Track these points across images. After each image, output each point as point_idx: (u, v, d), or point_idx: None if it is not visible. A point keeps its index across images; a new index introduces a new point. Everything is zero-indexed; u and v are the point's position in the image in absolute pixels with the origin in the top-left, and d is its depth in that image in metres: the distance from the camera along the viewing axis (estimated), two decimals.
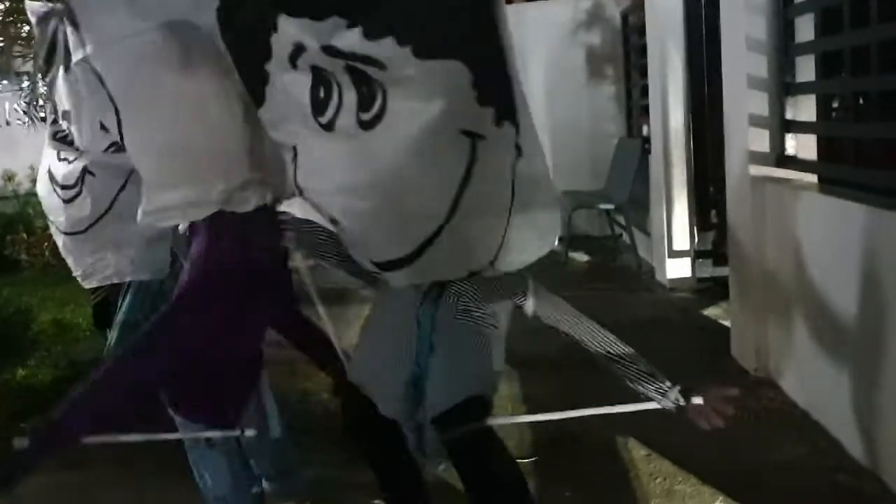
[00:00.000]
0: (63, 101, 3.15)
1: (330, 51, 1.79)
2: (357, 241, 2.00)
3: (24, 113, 8.44)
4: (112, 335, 3.41)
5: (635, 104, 7.70)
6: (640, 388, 2.03)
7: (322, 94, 1.88)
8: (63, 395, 4.41)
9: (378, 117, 1.78)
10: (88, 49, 2.18)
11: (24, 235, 8.02)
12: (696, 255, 5.80)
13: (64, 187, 3.22)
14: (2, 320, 4.38)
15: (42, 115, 7.86)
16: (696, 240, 5.81)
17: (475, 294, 2.10)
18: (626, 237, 7.12)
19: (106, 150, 3.09)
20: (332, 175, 1.94)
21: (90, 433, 2.08)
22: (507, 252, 1.91)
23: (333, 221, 2.01)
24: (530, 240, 1.94)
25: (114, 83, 2.16)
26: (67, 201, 3.22)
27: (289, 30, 1.85)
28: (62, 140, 3.31)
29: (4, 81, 8.73)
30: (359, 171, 1.87)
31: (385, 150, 1.81)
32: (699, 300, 5.45)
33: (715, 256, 5.70)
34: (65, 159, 3.25)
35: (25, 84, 8.71)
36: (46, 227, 8.28)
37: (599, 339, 2.08)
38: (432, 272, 1.98)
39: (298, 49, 1.86)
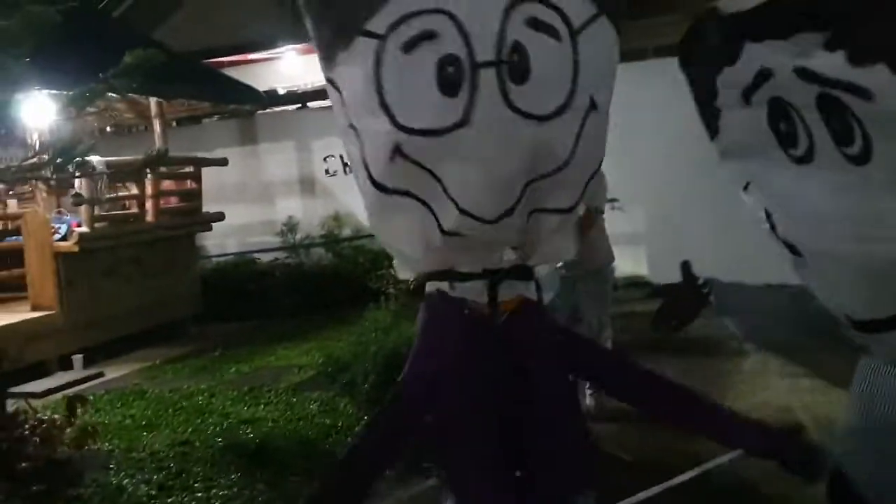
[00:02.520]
0: None
1: (804, 75, 1.52)
2: (832, 294, 1.70)
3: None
4: None
5: None
6: None
7: (785, 129, 1.64)
8: None
9: (866, 153, 1.48)
10: None
11: (392, 271, 8.65)
12: None
13: None
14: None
15: None
16: None
17: None
18: None
19: None
20: (805, 208, 1.65)
21: None
22: None
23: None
24: None
25: None
26: None
27: (753, 56, 1.63)
28: None
29: None
30: (846, 207, 1.56)
31: (882, 189, 1.50)
32: None
33: None
34: None
35: None
36: None
37: None
38: None
39: (759, 78, 1.63)
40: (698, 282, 2.14)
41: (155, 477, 4.34)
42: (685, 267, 2.16)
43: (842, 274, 1.62)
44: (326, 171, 10.50)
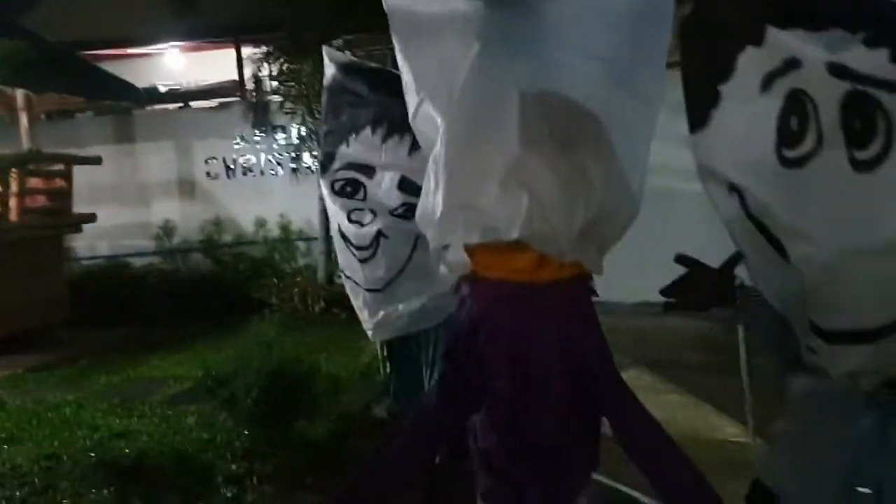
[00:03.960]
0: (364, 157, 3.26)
1: (837, 71, 1.50)
2: (808, 298, 1.65)
3: (292, 164, 9.00)
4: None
5: None
6: None
7: (795, 126, 1.61)
8: (338, 448, 4.53)
9: (881, 156, 1.49)
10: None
11: (275, 280, 8.49)
12: None
13: (359, 248, 3.30)
14: (296, 377, 4.51)
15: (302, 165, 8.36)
16: None
17: None
18: None
19: (394, 209, 3.21)
20: (789, 215, 1.64)
21: None
22: None
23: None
24: None
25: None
26: (363, 261, 3.29)
27: (782, 43, 1.61)
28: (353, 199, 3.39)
29: (262, 134, 9.33)
30: (836, 216, 1.56)
31: (886, 197, 1.50)
32: None
33: None
34: (356, 222, 3.32)
35: (282, 136, 9.29)
36: (294, 273, 8.91)
37: None
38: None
39: (788, 66, 1.60)
40: (734, 277, 2.00)
41: (17, 493, 4.10)
42: (732, 260, 2.01)
43: (828, 282, 1.60)
44: (208, 174, 10.19)
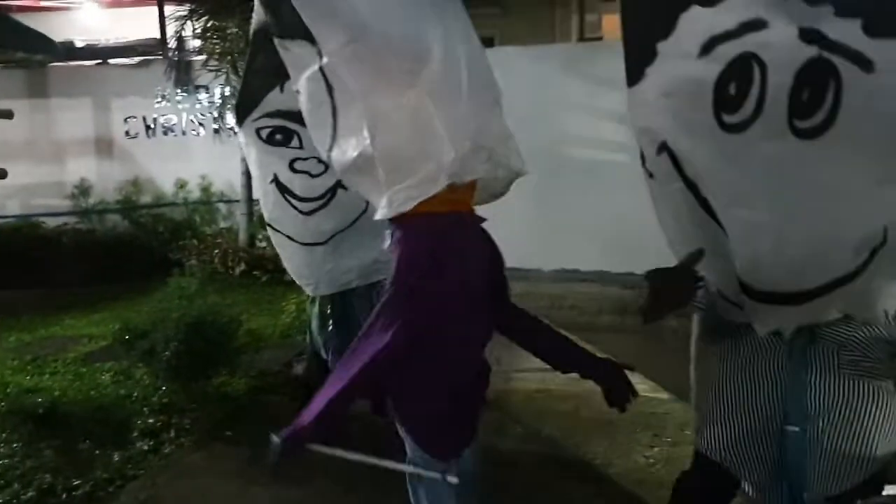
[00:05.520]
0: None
1: (809, 36, 1.53)
2: (741, 260, 1.72)
3: (215, 124, 8.81)
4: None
5: None
6: None
7: (734, 91, 1.63)
8: (257, 403, 4.54)
9: (824, 126, 1.54)
10: (325, 59, 2.19)
11: (195, 241, 8.35)
12: None
13: (305, 200, 3.25)
14: (216, 329, 4.46)
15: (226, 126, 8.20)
16: None
17: (861, 339, 1.78)
18: None
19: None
20: (727, 179, 1.69)
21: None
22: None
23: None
24: None
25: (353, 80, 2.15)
26: (307, 213, 3.25)
27: (746, 4, 1.61)
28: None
29: (185, 94, 9.11)
30: (780, 183, 1.61)
31: (824, 165, 1.56)
32: None
33: None
34: (304, 172, 3.28)
35: (205, 96, 9.09)
36: (215, 235, 8.76)
37: None
38: (819, 314, 1.72)
39: (745, 28, 1.61)
40: (695, 273, 2.00)
41: None
42: (695, 255, 2.03)
43: (758, 244, 1.65)
44: (127, 133, 9.89)
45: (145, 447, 4.06)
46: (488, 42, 9.07)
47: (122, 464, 3.88)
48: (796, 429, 1.82)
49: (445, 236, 2.19)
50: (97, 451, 3.96)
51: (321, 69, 2.25)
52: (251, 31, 3.50)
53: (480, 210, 2.35)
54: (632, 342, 4.27)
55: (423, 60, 2.08)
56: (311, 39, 2.22)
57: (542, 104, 6.91)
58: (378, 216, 2.22)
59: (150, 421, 4.32)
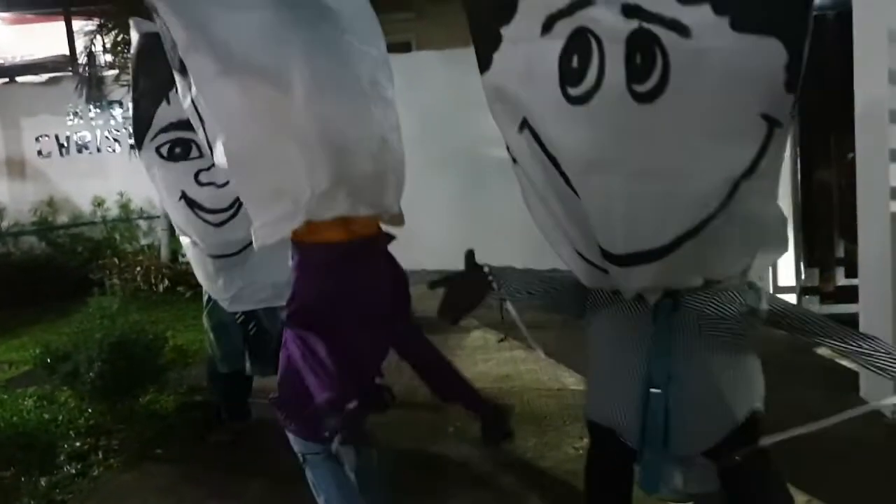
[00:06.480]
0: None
1: (630, 10, 1.64)
2: (598, 227, 1.81)
3: (131, 140, 8.60)
4: None
5: None
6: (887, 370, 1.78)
7: (576, 64, 1.74)
8: (187, 420, 4.49)
9: (658, 89, 1.64)
10: (192, 90, 2.24)
11: (116, 260, 8.17)
12: (802, 291, 5.61)
13: (214, 211, 3.24)
14: (141, 347, 4.39)
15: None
16: (803, 276, 5.62)
17: (720, 305, 1.88)
18: None
19: None
20: (578, 150, 1.78)
21: None
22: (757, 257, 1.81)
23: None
24: (770, 246, 1.85)
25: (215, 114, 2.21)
26: (218, 225, 3.24)
27: None
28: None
29: (98, 110, 8.90)
30: (621, 146, 1.70)
31: (664, 126, 1.66)
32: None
33: (821, 294, 5.52)
34: (210, 183, 3.27)
35: (119, 111, 8.91)
36: (136, 252, 8.59)
37: (829, 331, 1.87)
38: (677, 276, 1.81)
39: (575, 6, 1.72)
40: (482, 270, 2.16)
41: None
42: (469, 256, 2.19)
43: (611, 208, 1.75)
44: (39, 153, 9.60)
45: (73, 471, 3.97)
46: (405, 47, 9.12)
47: (49, 489, 3.79)
48: (658, 391, 1.92)
49: (335, 269, 2.31)
50: (22, 478, 3.87)
51: (192, 101, 2.28)
52: (131, 54, 3.48)
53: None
54: (557, 336, 4.39)
55: (285, 90, 2.11)
56: (184, 71, 2.23)
57: (461, 106, 7.01)
58: (255, 246, 2.29)
59: (77, 444, 4.23)
